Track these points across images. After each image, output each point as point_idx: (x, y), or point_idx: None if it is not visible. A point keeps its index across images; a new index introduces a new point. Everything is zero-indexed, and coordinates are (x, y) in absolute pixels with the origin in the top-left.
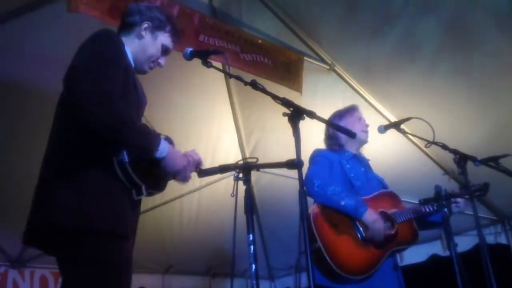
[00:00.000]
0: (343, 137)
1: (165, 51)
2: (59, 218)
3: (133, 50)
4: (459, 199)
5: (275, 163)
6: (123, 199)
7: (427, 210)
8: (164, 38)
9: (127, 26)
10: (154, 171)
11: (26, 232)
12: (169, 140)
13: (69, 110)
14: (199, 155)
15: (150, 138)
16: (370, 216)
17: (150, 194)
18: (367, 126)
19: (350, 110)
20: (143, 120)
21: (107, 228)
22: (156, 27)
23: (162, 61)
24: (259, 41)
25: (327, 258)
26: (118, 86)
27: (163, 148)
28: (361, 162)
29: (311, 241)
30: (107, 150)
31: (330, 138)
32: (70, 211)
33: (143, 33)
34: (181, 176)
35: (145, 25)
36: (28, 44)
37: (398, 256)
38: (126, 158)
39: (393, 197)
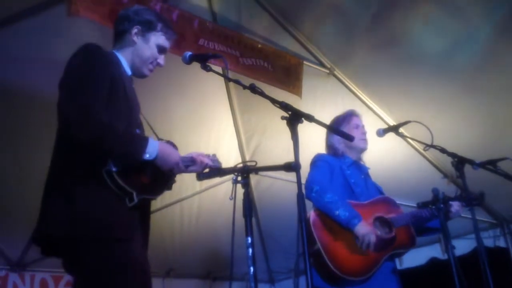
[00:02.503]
0: (340, 147)
1: (161, 50)
2: (50, 228)
3: (127, 57)
4: (453, 205)
5: (273, 166)
6: (115, 205)
7: (426, 215)
8: (157, 38)
9: (119, 35)
10: (148, 175)
11: (37, 242)
12: (171, 145)
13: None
14: (207, 159)
15: (135, 143)
16: (362, 229)
17: (144, 200)
18: (364, 133)
19: (347, 118)
20: (145, 124)
21: (98, 234)
22: (147, 30)
23: (161, 60)
24: (259, 46)
25: (326, 260)
26: (100, 98)
27: (152, 150)
28: (361, 169)
29: (310, 243)
30: (96, 161)
31: (329, 148)
32: (59, 221)
33: (134, 38)
34: (177, 171)
35: (135, 30)
36: (29, 48)
37: (397, 259)
38: (113, 168)
39: (391, 203)
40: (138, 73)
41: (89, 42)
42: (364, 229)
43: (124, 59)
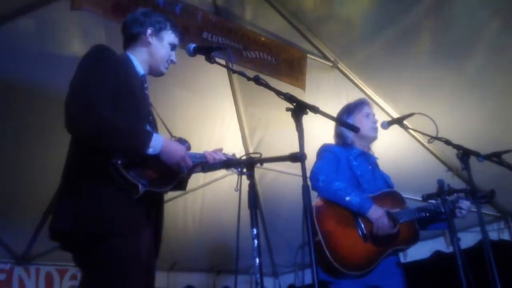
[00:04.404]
0: (350, 136)
1: (173, 47)
2: (58, 225)
3: (142, 58)
4: (462, 206)
5: (278, 157)
6: (120, 200)
7: (432, 209)
8: (168, 37)
9: (132, 38)
10: (155, 169)
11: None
12: (181, 142)
13: None
14: (221, 155)
15: (138, 137)
16: (375, 212)
17: (154, 195)
18: (375, 122)
19: (359, 106)
20: (158, 120)
21: (98, 230)
22: (159, 30)
23: (174, 57)
24: (262, 39)
25: (326, 252)
26: (101, 95)
27: (155, 145)
28: (369, 160)
29: (312, 235)
30: (102, 155)
31: (338, 136)
32: (66, 218)
33: (150, 39)
34: (181, 167)
35: (149, 32)
36: (32, 43)
37: (401, 253)
38: (119, 160)
39: (397, 197)
40: (156, 72)
41: (99, 44)
42: (377, 213)
43: (137, 60)
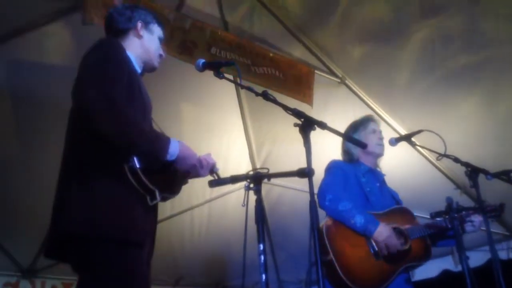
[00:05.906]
0: (356, 152)
1: (161, 41)
2: (69, 226)
3: (136, 52)
4: (474, 219)
5: (286, 172)
6: (135, 205)
7: (442, 225)
8: (156, 29)
9: (121, 33)
10: (167, 174)
11: (46, 242)
12: None
13: (79, 120)
14: (213, 159)
15: (159, 142)
16: (381, 233)
17: (164, 198)
18: (381, 139)
19: (364, 122)
20: (154, 126)
21: (116, 235)
22: (148, 23)
23: (162, 51)
24: (270, 55)
25: (339, 271)
26: (123, 90)
27: (173, 151)
28: (377, 176)
29: (323, 253)
30: (118, 157)
31: (345, 153)
32: (79, 219)
33: (141, 32)
34: (194, 173)
35: (140, 25)
36: (43, 56)
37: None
38: (137, 164)
39: (407, 213)
40: (149, 67)
41: (106, 37)
42: (383, 234)
43: (132, 56)
